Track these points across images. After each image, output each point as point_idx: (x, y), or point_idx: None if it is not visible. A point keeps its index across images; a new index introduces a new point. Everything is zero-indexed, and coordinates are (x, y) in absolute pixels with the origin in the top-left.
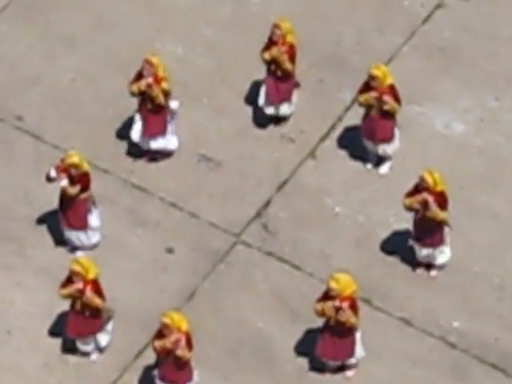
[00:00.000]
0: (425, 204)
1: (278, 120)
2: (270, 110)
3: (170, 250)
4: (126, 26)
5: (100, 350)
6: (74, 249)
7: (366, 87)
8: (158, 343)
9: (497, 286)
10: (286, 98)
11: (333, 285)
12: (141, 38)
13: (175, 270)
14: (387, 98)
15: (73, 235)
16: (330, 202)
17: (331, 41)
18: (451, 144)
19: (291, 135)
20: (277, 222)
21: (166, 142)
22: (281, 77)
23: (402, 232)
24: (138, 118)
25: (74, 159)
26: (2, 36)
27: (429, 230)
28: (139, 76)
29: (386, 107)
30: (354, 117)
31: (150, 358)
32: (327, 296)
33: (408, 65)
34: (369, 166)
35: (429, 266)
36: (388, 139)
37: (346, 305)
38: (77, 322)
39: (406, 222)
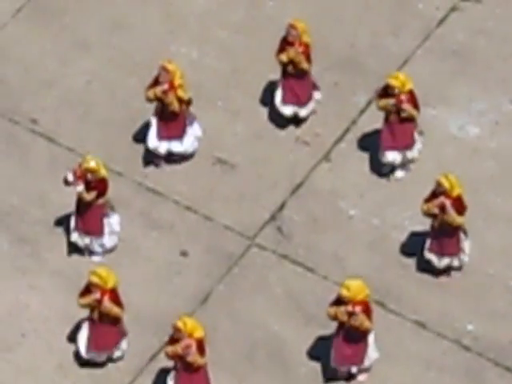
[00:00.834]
0: (442, 208)
1: (296, 121)
2: (287, 111)
3: (184, 253)
4: (141, 29)
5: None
6: (90, 252)
7: (385, 92)
8: (169, 349)
9: (511, 288)
10: (306, 99)
11: (344, 293)
12: (155, 41)
13: (189, 273)
14: (405, 105)
15: (87, 239)
16: (344, 204)
17: (346, 44)
18: (466, 147)
19: (306, 138)
20: (291, 225)
21: (183, 145)
22: (298, 77)
23: (417, 235)
24: (154, 123)
25: (91, 164)
26: (17, 39)
27: (447, 237)
28: (156, 82)
29: (403, 114)
30: (369, 120)
31: (164, 361)
32: (340, 300)
33: (422, 68)
34: (385, 171)
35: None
36: (408, 145)
37: (358, 309)
38: (98, 336)
39: (420, 225)
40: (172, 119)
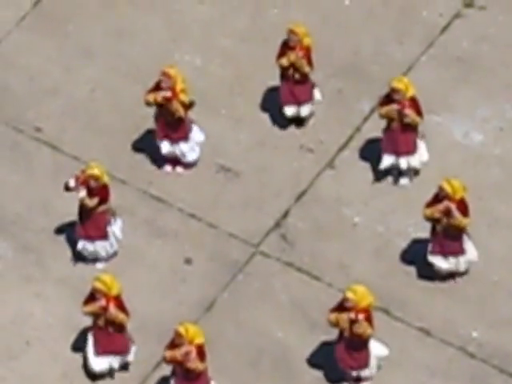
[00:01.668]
0: (447, 212)
1: (298, 122)
2: (289, 112)
3: (188, 261)
4: (145, 37)
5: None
6: (94, 260)
7: (388, 99)
8: (168, 353)
9: None
10: (306, 99)
11: (350, 295)
12: (159, 48)
13: (194, 280)
14: (408, 111)
15: (91, 246)
16: (348, 212)
17: (350, 51)
18: (470, 154)
19: (310, 145)
20: (296, 233)
21: (187, 147)
22: (298, 80)
23: (421, 242)
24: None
25: (95, 171)
26: (21, 46)
27: (451, 239)
28: (157, 86)
29: (406, 120)
30: (373, 127)
31: (168, 369)
32: (342, 307)
33: (426, 75)
34: (390, 179)
35: (453, 274)
36: (410, 151)
37: (361, 317)
38: (105, 340)
39: (425, 232)
40: (177, 124)
